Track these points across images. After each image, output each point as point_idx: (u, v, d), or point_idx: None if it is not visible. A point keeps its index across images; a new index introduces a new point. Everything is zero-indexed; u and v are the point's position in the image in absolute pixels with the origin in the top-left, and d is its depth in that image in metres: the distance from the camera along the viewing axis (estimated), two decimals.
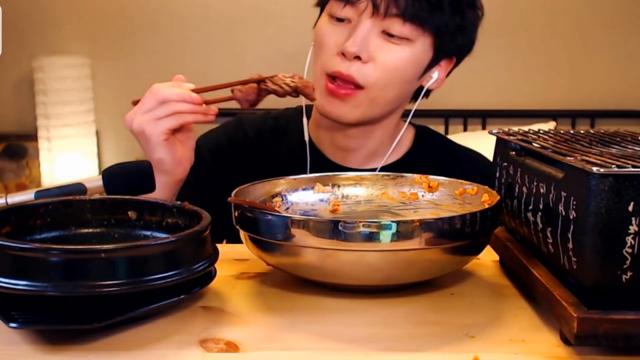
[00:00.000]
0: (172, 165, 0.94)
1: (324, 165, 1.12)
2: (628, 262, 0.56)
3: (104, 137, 2.82)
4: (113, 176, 0.90)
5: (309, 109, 1.17)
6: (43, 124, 2.56)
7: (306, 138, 1.13)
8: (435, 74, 1.09)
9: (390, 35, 1.01)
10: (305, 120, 1.13)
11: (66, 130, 2.55)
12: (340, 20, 1.03)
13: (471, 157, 1.21)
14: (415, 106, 1.14)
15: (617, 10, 2.71)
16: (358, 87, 1.02)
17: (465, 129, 2.75)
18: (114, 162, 0.97)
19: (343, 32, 1.02)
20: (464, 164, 1.16)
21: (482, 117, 2.75)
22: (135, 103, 0.98)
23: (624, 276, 0.57)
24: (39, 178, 2.64)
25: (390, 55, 1.01)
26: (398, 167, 1.13)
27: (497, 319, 0.68)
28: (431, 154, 1.17)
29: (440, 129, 2.72)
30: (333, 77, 1.03)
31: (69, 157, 2.57)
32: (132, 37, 2.75)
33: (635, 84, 2.75)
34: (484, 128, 2.74)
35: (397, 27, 1.00)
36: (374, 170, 1.12)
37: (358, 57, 1.01)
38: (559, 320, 0.60)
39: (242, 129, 1.20)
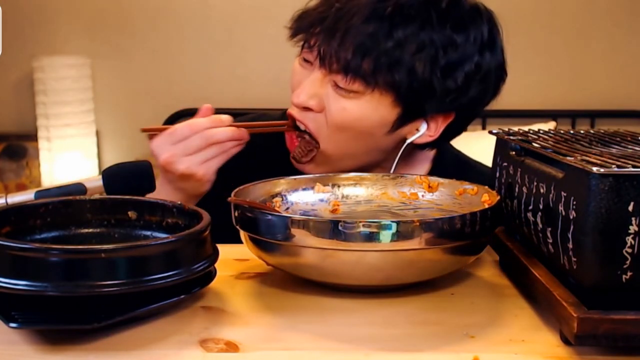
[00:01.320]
0: (206, 188, 0.96)
1: None
2: (628, 262, 0.56)
3: (104, 137, 2.82)
4: (113, 176, 0.90)
5: None
6: (43, 124, 2.56)
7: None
8: (422, 127, 1.00)
9: (340, 87, 0.95)
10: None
11: (66, 130, 2.55)
12: (307, 61, 1.00)
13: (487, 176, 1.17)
14: (396, 159, 1.03)
15: (617, 10, 2.71)
16: (314, 139, 0.98)
17: (465, 129, 2.75)
18: (114, 162, 0.97)
19: (306, 74, 0.99)
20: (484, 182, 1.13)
21: (482, 117, 2.74)
22: (147, 131, 0.97)
23: (624, 276, 0.57)
24: (39, 178, 2.64)
25: (337, 106, 0.96)
26: None
27: (497, 319, 0.68)
28: (453, 175, 1.05)
29: None
30: (294, 126, 1.00)
31: (69, 157, 2.57)
32: (132, 37, 2.75)
33: (635, 84, 2.75)
34: (484, 128, 2.73)
35: (342, 81, 0.94)
36: None
37: (307, 109, 0.98)
38: (559, 320, 0.60)
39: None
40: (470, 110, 1.03)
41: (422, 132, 1.00)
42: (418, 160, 1.10)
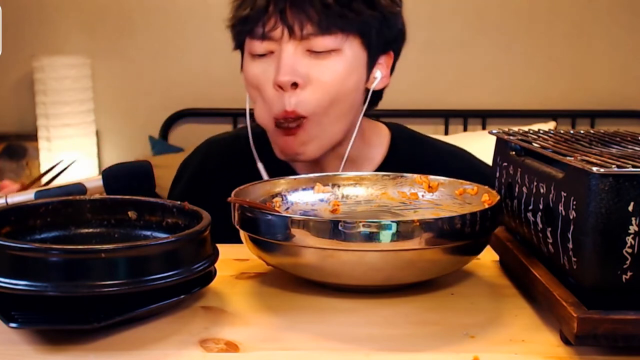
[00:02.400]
0: None
1: None
2: (628, 262, 0.56)
3: (104, 137, 2.82)
4: (113, 176, 0.90)
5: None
6: (43, 124, 2.56)
7: (264, 177, 1.11)
8: (378, 74, 1.07)
9: (317, 52, 0.99)
10: (260, 166, 1.12)
11: (66, 130, 2.55)
12: (263, 55, 1.02)
13: (452, 152, 1.20)
14: (363, 109, 1.09)
15: (617, 10, 2.71)
16: (301, 117, 1.00)
17: (465, 129, 2.75)
18: (114, 162, 0.97)
19: (271, 65, 1.01)
20: (446, 159, 1.15)
21: (482, 117, 2.75)
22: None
23: (624, 276, 0.57)
24: None
25: (325, 74, 1.00)
26: (386, 169, 1.10)
27: (497, 319, 0.68)
28: (411, 156, 1.14)
29: (440, 129, 2.73)
30: (280, 122, 1.01)
31: (69, 157, 2.56)
32: (132, 37, 2.75)
33: (635, 84, 2.75)
34: (484, 128, 2.74)
35: (319, 42, 0.98)
36: None
37: (295, 85, 0.99)
38: (559, 320, 0.60)
39: (212, 154, 1.20)
40: (400, 46, 1.10)
41: (379, 77, 1.08)
42: (374, 143, 1.14)
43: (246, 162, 1.15)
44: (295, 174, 1.13)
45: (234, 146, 1.19)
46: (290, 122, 1.01)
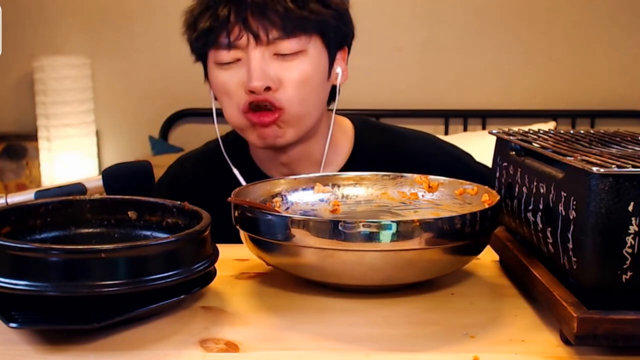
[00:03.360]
0: None
1: None
2: (628, 262, 0.56)
3: (104, 137, 2.82)
4: (113, 176, 0.90)
5: (244, 141, 1.16)
6: (43, 124, 2.56)
7: (243, 182, 1.13)
8: (339, 69, 1.12)
9: (284, 55, 1.03)
10: (236, 171, 1.15)
11: (66, 130, 2.55)
12: (229, 63, 1.05)
13: (416, 136, 1.22)
14: (335, 105, 1.15)
15: (617, 9, 2.71)
16: (278, 108, 1.03)
17: (465, 129, 2.75)
18: (114, 162, 0.97)
19: (239, 71, 1.04)
20: (414, 148, 1.18)
21: (482, 117, 2.74)
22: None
23: (624, 276, 0.57)
24: (39, 178, 2.64)
25: (293, 74, 1.03)
26: (349, 168, 1.13)
27: (497, 319, 0.68)
28: (376, 149, 1.17)
29: (440, 129, 2.73)
30: (253, 109, 1.04)
31: (69, 157, 2.57)
32: (132, 37, 2.75)
33: (635, 84, 2.75)
34: (484, 128, 2.74)
35: (285, 45, 1.03)
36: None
37: (268, 88, 1.02)
38: (559, 320, 0.60)
39: (183, 172, 1.23)
40: (351, 41, 1.14)
41: (340, 72, 1.12)
42: (339, 138, 1.17)
43: (219, 172, 1.17)
44: (269, 178, 1.14)
45: (205, 159, 1.22)
46: (263, 114, 1.04)
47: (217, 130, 1.17)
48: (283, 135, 1.07)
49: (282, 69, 1.03)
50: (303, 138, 1.10)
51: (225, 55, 1.04)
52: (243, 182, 1.13)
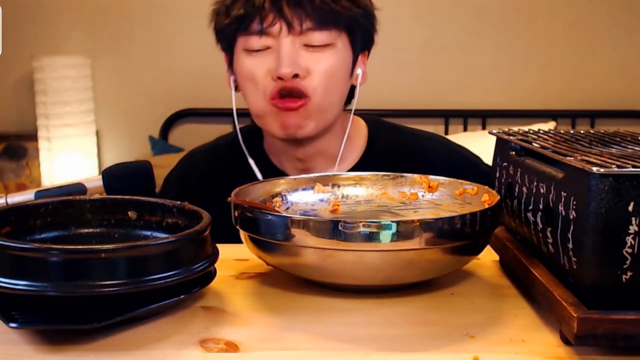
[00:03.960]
0: None
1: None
2: (628, 262, 0.56)
3: (104, 137, 2.82)
4: (113, 176, 0.90)
5: (259, 132, 1.19)
6: (43, 124, 2.56)
7: (259, 176, 1.15)
8: (359, 71, 1.15)
9: (313, 46, 1.06)
10: (251, 161, 1.16)
11: (66, 130, 2.55)
12: (258, 50, 1.06)
13: (427, 136, 1.25)
14: (354, 105, 1.17)
15: (617, 10, 2.71)
16: (305, 96, 1.05)
17: (465, 129, 2.75)
18: (114, 162, 0.97)
19: (266, 59, 1.06)
20: (424, 147, 1.20)
21: (482, 117, 2.75)
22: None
23: (624, 276, 0.57)
24: (39, 178, 2.64)
25: (321, 64, 1.06)
26: (362, 165, 1.16)
27: (497, 319, 0.68)
28: (389, 148, 1.19)
29: (440, 129, 2.73)
30: (282, 95, 1.05)
31: (69, 157, 2.57)
32: (132, 37, 2.75)
33: (635, 84, 2.75)
34: (484, 128, 2.74)
35: (316, 36, 1.05)
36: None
37: (296, 76, 1.04)
38: (559, 320, 0.60)
39: (195, 165, 1.24)
40: (371, 45, 1.17)
41: (360, 73, 1.15)
42: (354, 136, 1.18)
43: (230, 166, 1.19)
44: (283, 172, 1.17)
45: (217, 153, 1.23)
46: (291, 100, 1.05)
47: (235, 121, 1.17)
48: (305, 126, 1.08)
49: (310, 59, 1.05)
50: (321, 133, 1.12)
51: (256, 42, 1.06)
52: (258, 174, 1.15)
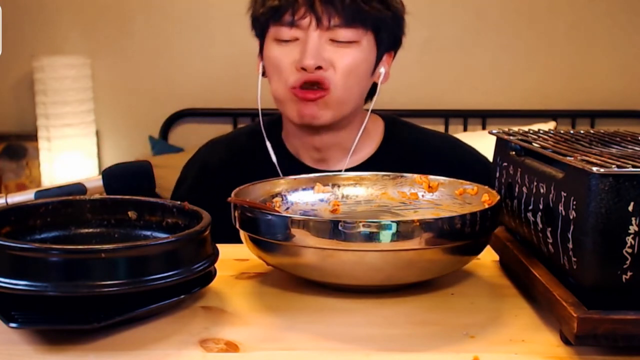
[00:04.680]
0: None
1: (301, 171, 1.15)
2: (628, 262, 0.56)
3: (104, 137, 2.82)
4: (113, 176, 0.90)
5: (277, 123, 1.23)
6: (43, 124, 2.56)
7: (274, 160, 1.19)
8: (382, 69, 1.18)
9: (339, 42, 1.09)
10: (269, 144, 1.19)
11: (66, 130, 2.55)
12: (287, 41, 1.11)
13: (442, 136, 1.29)
14: (372, 104, 1.21)
15: (617, 10, 2.71)
16: (324, 89, 1.09)
17: (465, 129, 2.75)
18: (114, 162, 0.97)
19: (294, 50, 1.10)
20: (437, 147, 1.23)
21: (482, 117, 2.75)
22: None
23: (624, 276, 0.57)
24: (39, 178, 2.64)
25: (345, 59, 1.10)
26: (377, 159, 1.19)
27: (497, 319, 0.68)
28: (403, 144, 1.22)
29: (440, 129, 2.72)
30: (303, 87, 1.10)
31: (69, 157, 2.57)
32: (132, 36, 2.75)
33: (635, 84, 2.75)
34: (484, 128, 2.74)
35: (342, 33, 1.09)
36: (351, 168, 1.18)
37: (319, 67, 1.08)
38: (559, 320, 0.60)
39: (215, 154, 1.26)
40: (398, 47, 1.21)
41: (383, 73, 1.18)
42: (371, 132, 1.22)
43: (249, 157, 1.22)
44: (299, 161, 1.19)
45: (237, 144, 1.26)
46: (311, 91, 1.09)
47: (259, 107, 1.20)
48: (321, 116, 1.11)
49: (335, 53, 1.09)
50: (337, 126, 1.15)
51: (286, 32, 1.10)
52: (274, 157, 1.18)
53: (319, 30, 1.09)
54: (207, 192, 1.18)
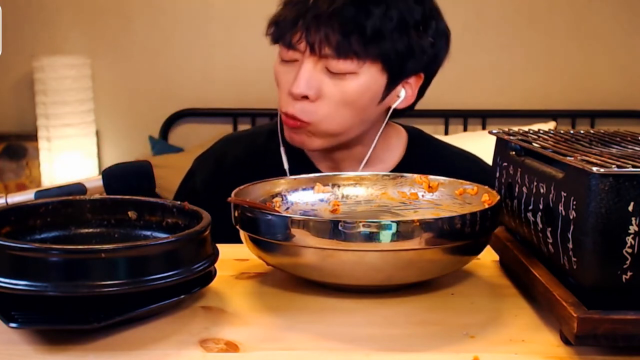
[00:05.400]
0: None
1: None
2: (628, 262, 0.56)
3: (104, 137, 2.82)
4: (113, 176, 0.90)
5: None
6: (43, 124, 2.56)
7: (286, 167, 1.16)
8: (402, 93, 1.11)
9: (332, 72, 1.04)
10: (282, 149, 1.16)
11: (66, 130, 2.55)
12: (288, 61, 1.08)
13: (466, 156, 1.24)
14: (382, 127, 1.14)
15: (617, 10, 2.71)
16: (303, 121, 1.06)
17: (465, 129, 2.75)
18: (114, 162, 0.97)
19: (292, 71, 1.07)
20: (459, 166, 1.18)
21: (482, 117, 2.75)
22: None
23: (624, 276, 0.57)
24: (39, 178, 2.64)
25: (336, 90, 1.04)
26: (404, 167, 1.15)
27: (497, 319, 0.68)
28: (425, 159, 1.19)
29: (440, 129, 2.73)
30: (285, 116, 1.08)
31: (69, 157, 2.57)
32: (132, 36, 2.75)
33: (635, 84, 2.75)
34: (484, 128, 2.74)
35: (334, 64, 1.03)
36: None
37: (305, 97, 1.05)
38: (559, 320, 0.60)
39: (231, 150, 1.24)
40: (433, 69, 1.14)
41: (403, 96, 1.11)
42: (393, 145, 1.19)
43: (265, 158, 1.19)
44: (314, 165, 1.17)
45: (253, 142, 1.23)
46: (290, 120, 1.07)
47: (279, 114, 1.16)
48: (311, 143, 1.09)
49: (327, 83, 1.04)
50: (350, 143, 1.12)
51: (285, 53, 1.08)
52: (286, 165, 1.15)
53: (313, 57, 1.04)
54: (220, 189, 1.16)
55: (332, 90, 1.04)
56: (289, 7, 1.07)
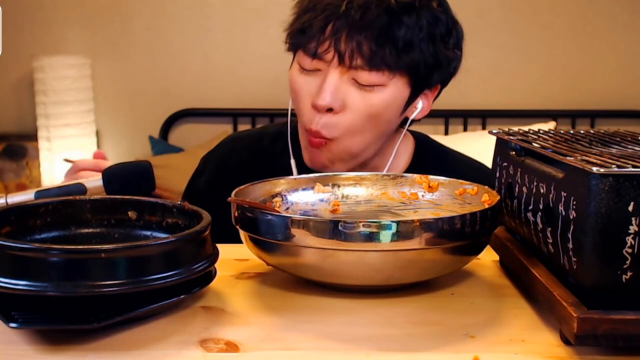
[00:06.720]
0: None
1: None
2: (628, 262, 0.56)
3: (104, 137, 2.82)
4: (113, 176, 0.91)
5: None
6: (43, 124, 2.56)
7: (295, 174, 1.12)
8: (419, 104, 1.09)
9: (360, 84, 1.00)
10: (293, 161, 1.13)
11: (66, 130, 2.55)
12: (310, 70, 1.03)
13: (473, 165, 1.22)
14: (399, 139, 1.13)
15: (617, 10, 2.71)
16: (326, 138, 1.02)
17: (465, 129, 2.75)
18: (114, 162, 0.97)
19: (314, 82, 1.02)
20: (467, 172, 1.15)
21: (482, 117, 2.75)
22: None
23: (624, 276, 0.57)
24: (39, 178, 2.64)
25: (362, 103, 1.00)
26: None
27: (497, 319, 0.68)
28: (432, 166, 1.16)
29: (440, 129, 2.73)
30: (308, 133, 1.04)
31: (68, 157, 2.56)
32: (132, 36, 2.75)
33: (635, 84, 2.75)
34: (484, 128, 2.74)
35: (364, 76, 0.99)
36: None
37: (330, 109, 1.01)
38: (559, 320, 0.60)
39: (236, 150, 1.21)
40: (449, 79, 1.11)
41: (420, 108, 1.09)
42: (400, 152, 1.16)
43: (270, 159, 1.17)
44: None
45: (259, 143, 1.20)
46: (313, 137, 1.03)
47: (289, 112, 1.13)
48: (330, 167, 1.06)
49: (353, 95, 1.00)
50: (363, 162, 1.09)
51: (308, 62, 1.02)
52: (294, 170, 1.12)
53: (340, 68, 0.99)
54: (225, 190, 1.15)
55: (358, 103, 1.00)
56: (312, 14, 1.01)
